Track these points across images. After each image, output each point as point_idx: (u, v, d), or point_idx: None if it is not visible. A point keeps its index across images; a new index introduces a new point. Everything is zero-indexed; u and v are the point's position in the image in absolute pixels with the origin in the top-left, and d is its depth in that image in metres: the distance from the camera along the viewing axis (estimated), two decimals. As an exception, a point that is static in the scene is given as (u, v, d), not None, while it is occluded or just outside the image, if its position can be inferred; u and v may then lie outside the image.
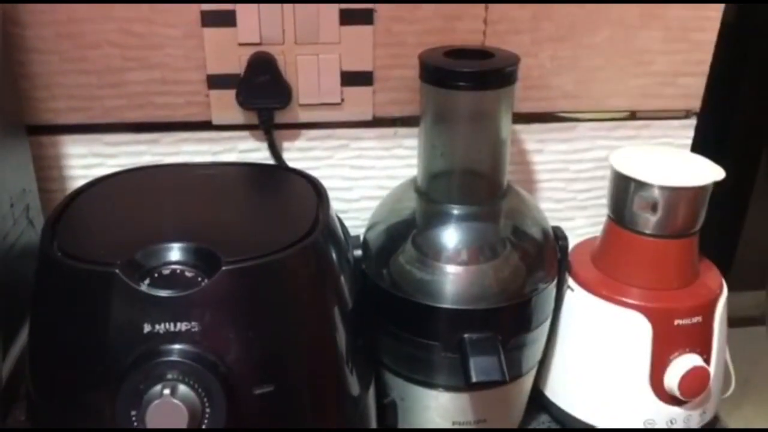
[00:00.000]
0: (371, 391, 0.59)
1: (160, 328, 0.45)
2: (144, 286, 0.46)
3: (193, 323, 0.46)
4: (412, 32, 0.70)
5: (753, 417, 0.80)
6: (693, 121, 0.78)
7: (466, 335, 0.60)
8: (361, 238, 0.67)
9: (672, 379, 0.63)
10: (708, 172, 0.64)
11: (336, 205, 0.62)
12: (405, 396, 0.66)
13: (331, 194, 0.59)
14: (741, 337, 0.76)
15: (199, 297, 0.46)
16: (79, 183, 0.61)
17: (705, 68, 0.75)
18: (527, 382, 0.68)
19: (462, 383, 0.58)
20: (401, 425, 0.68)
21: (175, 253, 0.47)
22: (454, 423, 0.66)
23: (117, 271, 0.45)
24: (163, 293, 0.46)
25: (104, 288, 0.46)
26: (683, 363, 0.63)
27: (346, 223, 0.67)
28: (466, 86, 0.58)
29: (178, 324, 0.45)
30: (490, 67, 0.59)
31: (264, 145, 0.73)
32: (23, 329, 0.60)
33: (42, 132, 0.70)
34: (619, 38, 0.73)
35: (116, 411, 0.45)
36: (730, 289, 0.68)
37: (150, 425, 0.44)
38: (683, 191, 0.63)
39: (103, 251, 0.48)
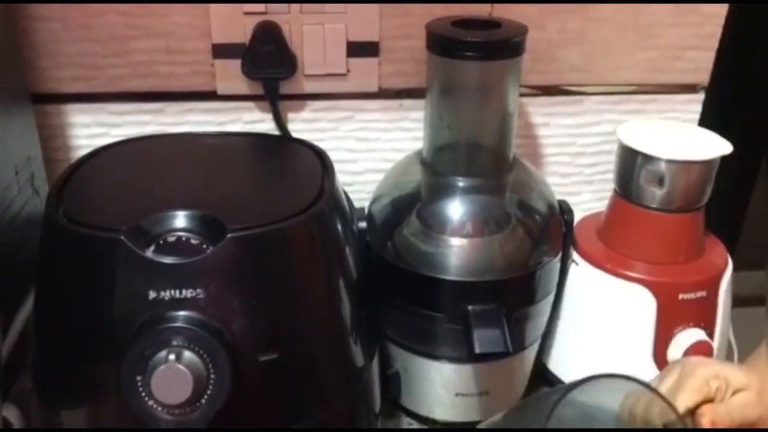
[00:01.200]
0: (375, 362, 0.59)
1: (166, 294, 0.46)
2: (149, 253, 0.46)
3: (198, 290, 0.46)
4: (419, 3, 0.69)
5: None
6: (701, 96, 0.77)
7: (470, 307, 0.60)
8: (366, 210, 0.67)
9: (675, 353, 0.64)
10: (715, 147, 0.63)
11: (340, 178, 0.62)
12: (408, 367, 0.66)
13: (335, 167, 0.59)
14: (744, 317, 0.76)
15: (204, 264, 0.46)
16: (84, 152, 0.61)
17: (714, 42, 0.75)
18: (530, 354, 0.69)
19: (465, 355, 0.58)
20: (404, 396, 0.68)
21: (180, 220, 0.47)
22: (456, 394, 0.66)
23: (122, 237, 0.45)
24: (168, 260, 0.46)
25: (109, 254, 0.46)
26: (687, 337, 0.63)
27: (351, 196, 0.67)
28: (474, 56, 0.58)
29: (183, 291, 0.46)
30: (497, 37, 0.59)
31: (269, 117, 0.72)
32: (28, 296, 0.60)
33: (46, 101, 0.70)
34: (628, 11, 0.72)
35: (121, 376, 0.45)
36: (734, 269, 0.67)
37: (155, 390, 0.44)
38: (690, 165, 0.62)
39: (108, 218, 0.48)
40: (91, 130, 0.72)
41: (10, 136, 0.59)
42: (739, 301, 0.69)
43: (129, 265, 0.46)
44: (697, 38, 0.74)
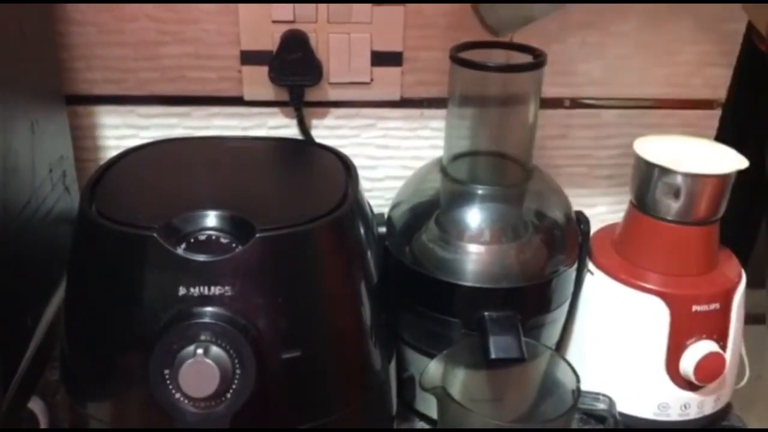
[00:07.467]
0: (392, 365, 0.60)
1: (195, 291, 0.47)
2: (180, 250, 0.47)
3: (227, 288, 0.47)
4: (442, 14, 0.70)
5: (766, 414, 0.80)
6: (718, 112, 0.78)
7: (486, 313, 0.61)
8: (386, 216, 0.68)
9: (688, 364, 0.64)
10: (731, 161, 0.64)
11: (361, 184, 0.63)
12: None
13: (356, 173, 0.60)
14: (755, 334, 0.76)
15: (233, 262, 0.47)
16: (113, 153, 0.63)
17: (732, 59, 0.76)
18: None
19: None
20: (419, 400, 0.69)
21: (211, 219, 0.48)
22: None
23: (154, 234, 0.47)
24: (199, 257, 0.47)
25: (142, 251, 0.48)
26: (699, 349, 0.64)
27: (371, 202, 0.68)
28: (496, 67, 0.59)
29: (212, 288, 0.47)
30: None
31: (293, 122, 0.74)
32: (57, 290, 0.61)
33: (78, 102, 0.72)
34: (648, 27, 0.73)
35: (150, 370, 0.46)
36: (746, 286, 0.68)
37: (182, 384, 0.45)
38: (706, 179, 0.63)
39: (140, 216, 0.49)
40: (120, 131, 0.74)
41: (46, 136, 0.61)
42: (749, 318, 0.70)
43: (160, 261, 0.47)
44: (716, 55, 0.75)
